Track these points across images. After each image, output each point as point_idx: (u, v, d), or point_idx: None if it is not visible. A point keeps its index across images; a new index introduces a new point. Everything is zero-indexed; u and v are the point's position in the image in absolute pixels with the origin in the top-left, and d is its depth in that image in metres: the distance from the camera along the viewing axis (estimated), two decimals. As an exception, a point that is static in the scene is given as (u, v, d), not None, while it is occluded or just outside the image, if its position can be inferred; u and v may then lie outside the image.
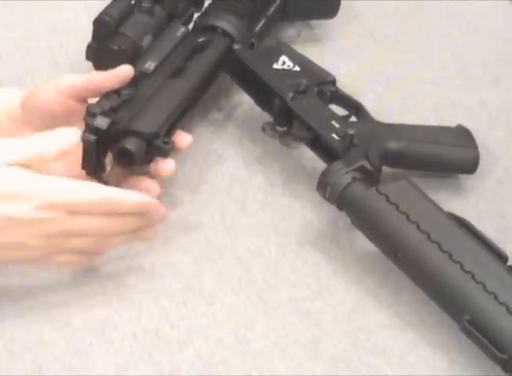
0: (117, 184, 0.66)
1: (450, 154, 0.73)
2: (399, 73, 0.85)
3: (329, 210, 0.72)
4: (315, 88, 0.73)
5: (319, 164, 0.76)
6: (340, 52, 0.87)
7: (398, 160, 0.71)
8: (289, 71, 0.74)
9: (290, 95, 0.72)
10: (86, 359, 0.61)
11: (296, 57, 0.75)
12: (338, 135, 0.70)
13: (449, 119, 0.81)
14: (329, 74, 0.75)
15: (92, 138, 0.62)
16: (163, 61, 0.70)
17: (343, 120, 0.72)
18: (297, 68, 0.74)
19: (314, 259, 0.69)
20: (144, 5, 0.72)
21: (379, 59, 0.86)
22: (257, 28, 0.79)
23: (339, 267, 0.69)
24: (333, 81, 0.75)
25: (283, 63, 0.75)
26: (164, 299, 0.65)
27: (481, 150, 0.76)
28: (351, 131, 0.69)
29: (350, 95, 0.75)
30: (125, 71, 0.67)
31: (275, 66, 0.74)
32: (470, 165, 0.74)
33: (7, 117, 0.67)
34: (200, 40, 0.74)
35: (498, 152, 0.78)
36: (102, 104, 0.64)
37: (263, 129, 0.72)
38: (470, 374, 0.63)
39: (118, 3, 0.71)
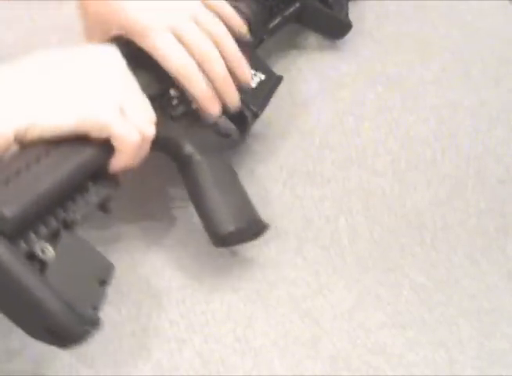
0: None
1: None
2: (399, 73, 0.85)
3: (329, 207, 0.72)
4: None
5: (320, 163, 0.76)
6: (341, 51, 0.86)
7: None
8: None
9: None
10: (85, 357, 0.60)
11: None
12: None
13: (450, 119, 0.81)
14: None
15: None
16: None
17: None
18: None
19: (314, 257, 0.69)
20: None
21: (379, 59, 0.86)
22: (272, 24, 0.79)
23: (339, 265, 0.69)
24: None
25: None
26: (163, 297, 0.65)
27: (481, 149, 0.76)
28: None
29: None
30: None
31: None
32: None
33: None
34: None
35: (498, 151, 0.78)
36: None
37: None
38: (470, 374, 0.63)
39: None
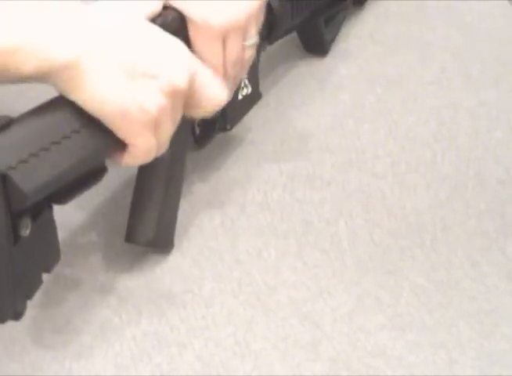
0: None
1: None
2: (399, 74, 0.85)
3: (329, 211, 0.72)
4: None
5: (320, 166, 0.76)
6: (340, 53, 0.87)
7: None
8: None
9: None
10: (86, 362, 0.61)
11: None
12: None
13: (450, 120, 0.81)
14: None
15: None
16: None
17: None
18: None
19: (314, 261, 0.69)
20: None
21: (379, 60, 0.86)
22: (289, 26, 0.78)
23: (339, 269, 0.69)
24: None
25: None
26: (163, 302, 0.65)
27: (481, 150, 0.76)
28: None
29: None
30: None
31: None
32: None
33: None
34: None
35: (498, 152, 0.78)
36: None
37: None
38: (471, 374, 0.63)
39: None
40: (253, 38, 0.65)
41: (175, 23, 0.60)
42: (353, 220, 0.72)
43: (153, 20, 0.58)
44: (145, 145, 0.56)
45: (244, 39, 0.64)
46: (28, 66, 0.50)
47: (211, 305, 0.65)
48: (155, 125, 0.56)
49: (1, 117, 0.51)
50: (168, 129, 0.58)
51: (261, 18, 0.66)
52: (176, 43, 0.58)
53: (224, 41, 0.62)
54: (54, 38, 0.51)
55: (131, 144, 0.56)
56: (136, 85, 0.54)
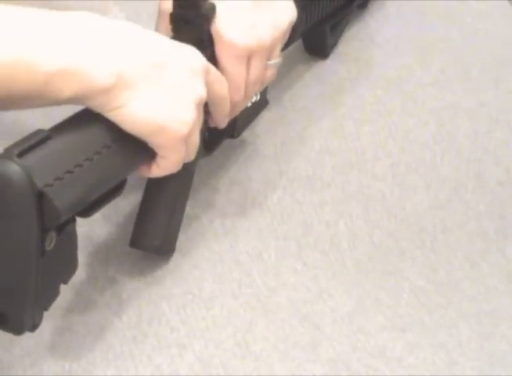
0: None
1: None
2: (399, 76, 0.85)
3: (329, 212, 0.73)
4: None
5: (320, 168, 0.76)
6: (341, 55, 0.87)
7: None
8: None
9: None
10: (86, 363, 0.61)
11: None
12: None
13: (449, 121, 0.81)
14: None
15: None
16: None
17: None
18: None
19: (314, 262, 0.69)
20: None
21: (379, 62, 0.87)
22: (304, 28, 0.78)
23: (339, 270, 0.69)
24: None
25: None
26: (163, 303, 0.65)
27: (481, 151, 0.76)
28: None
29: None
30: None
31: None
32: None
33: None
34: None
35: (498, 153, 0.79)
36: None
37: None
38: (470, 375, 0.63)
39: None
40: (277, 58, 0.66)
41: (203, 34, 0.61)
42: (353, 221, 0.72)
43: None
44: (176, 158, 0.57)
45: (268, 59, 0.64)
46: (67, 92, 0.50)
47: (211, 306, 0.65)
48: (187, 138, 0.57)
49: (37, 131, 0.51)
50: (197, 139, 0.59)
51: (287, 38, 0.67)
52: (194, 52, 0.58)
53: (248, 60, 0.63)
54: (92, 62, 0.51)
55: (162, 157, 0.57)
56: (171, 99, 0.55)
